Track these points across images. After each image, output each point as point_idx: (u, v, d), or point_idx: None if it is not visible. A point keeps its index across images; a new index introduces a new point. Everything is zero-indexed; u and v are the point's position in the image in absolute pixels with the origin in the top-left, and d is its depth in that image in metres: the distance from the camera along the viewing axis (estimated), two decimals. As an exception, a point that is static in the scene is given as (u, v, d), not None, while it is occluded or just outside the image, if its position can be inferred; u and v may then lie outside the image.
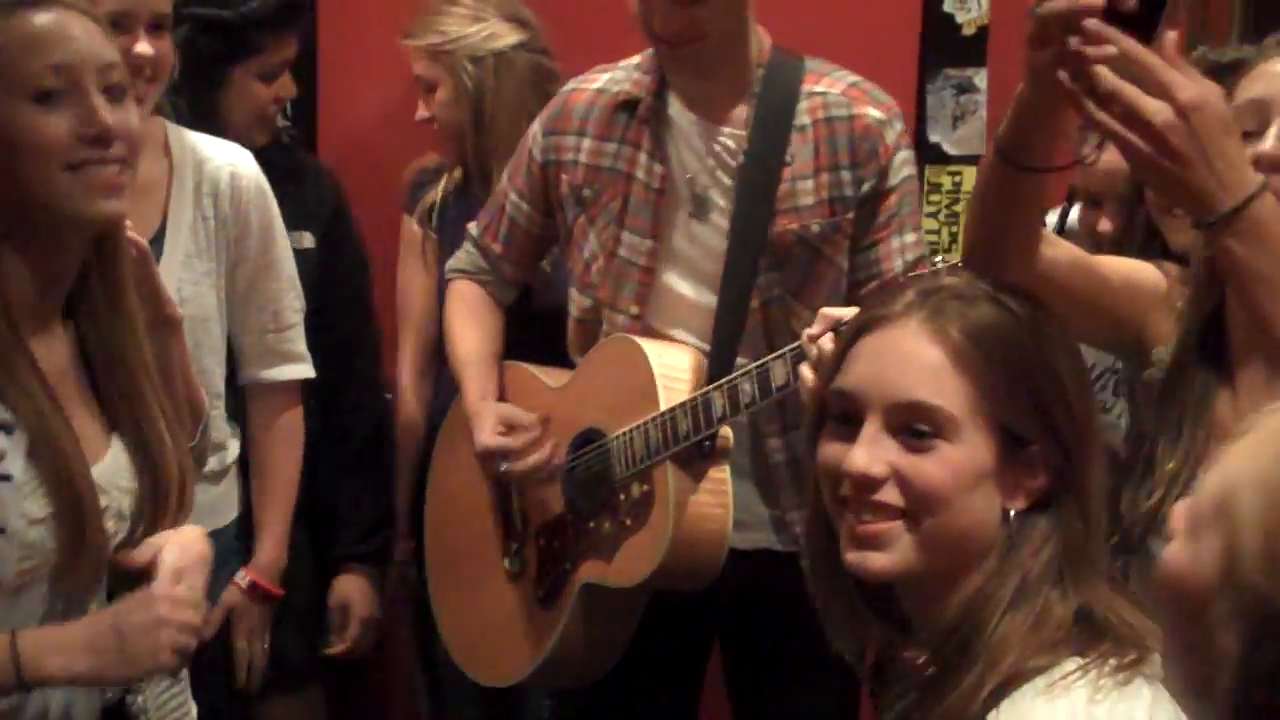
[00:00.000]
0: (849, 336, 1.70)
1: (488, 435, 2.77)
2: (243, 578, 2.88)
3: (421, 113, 3.22)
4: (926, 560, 1.61)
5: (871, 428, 1.62)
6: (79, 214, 1.88)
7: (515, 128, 3.05)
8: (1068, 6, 1.63)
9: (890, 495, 1.61)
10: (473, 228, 3.00)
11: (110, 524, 1.92)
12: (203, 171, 2.72)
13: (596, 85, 2.82)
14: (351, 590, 3.17)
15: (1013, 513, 1.63)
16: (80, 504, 1.86)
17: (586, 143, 2.79)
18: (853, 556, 1.63)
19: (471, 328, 2.94)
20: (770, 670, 2.84)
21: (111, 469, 1.93)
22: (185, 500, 2.02)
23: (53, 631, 1.88)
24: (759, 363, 2.52)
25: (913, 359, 1.63)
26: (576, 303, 2.85)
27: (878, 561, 1.62)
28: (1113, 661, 1.52)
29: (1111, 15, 1.63)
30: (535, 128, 2.88)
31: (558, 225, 2.89)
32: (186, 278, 2.67)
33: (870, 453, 1.61)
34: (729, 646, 2.92)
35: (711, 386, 2.60)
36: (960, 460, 1.59)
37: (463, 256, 3.01)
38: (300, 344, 2.90)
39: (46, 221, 1.87)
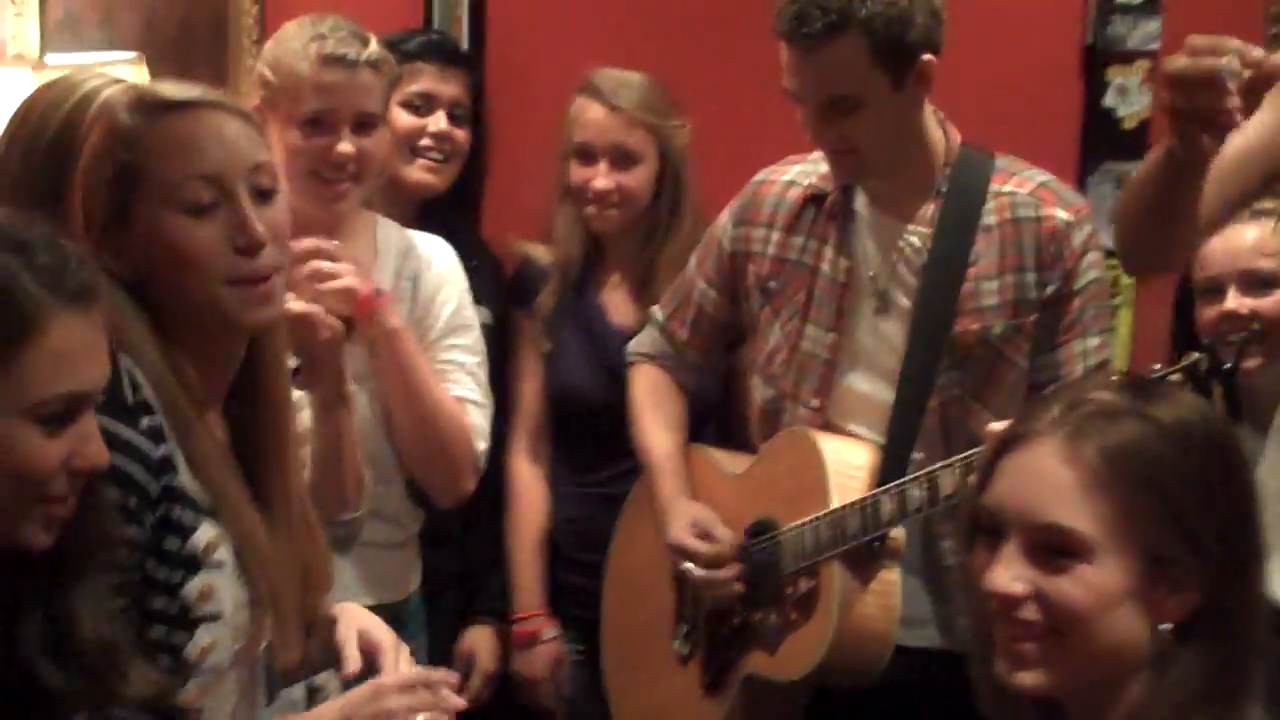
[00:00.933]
0: (996, 449, 1.72)
1: (681, 532, 2.81)
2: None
3: (604, 184, 3.19)
4: (1073, 677, 1.62)
5: (1011, 546, 1.65)
6: (237, 323, 1.94)
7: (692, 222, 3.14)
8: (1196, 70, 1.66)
9: (1031, 613, 1.63)
10: (658, 312, 3.04)
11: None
12: (404, 260, 2.82)
13: (787, 178, 2.85)
14: (480, 643, 3.22)
15: (1162, 628, 1.63)
16: (266, 584, 1.94)
17: (775, 235, 2.83)
18: (1003, 669, 1.66)
19: (661, 418, 2.99)
20: None
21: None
22: (330, 574, 2.13)
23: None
24: (929, 470, 2.55)
25: (1049, 480, 1.64)
26: (759, 392, 2.88)
27: (1025, 679, 1.64)
28: None
29: None
30: (725, 218, 2.92)
31: (744, 314, 2.94)
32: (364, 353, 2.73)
33: (1009, 572, 1.64)
34: None
35: (881, 490, 2.62)
36: (1099, 581, 1.60)
37: (646, 341, 3.05)
38: (480, 420, 2.92)
39: (210, 323, 1.93)
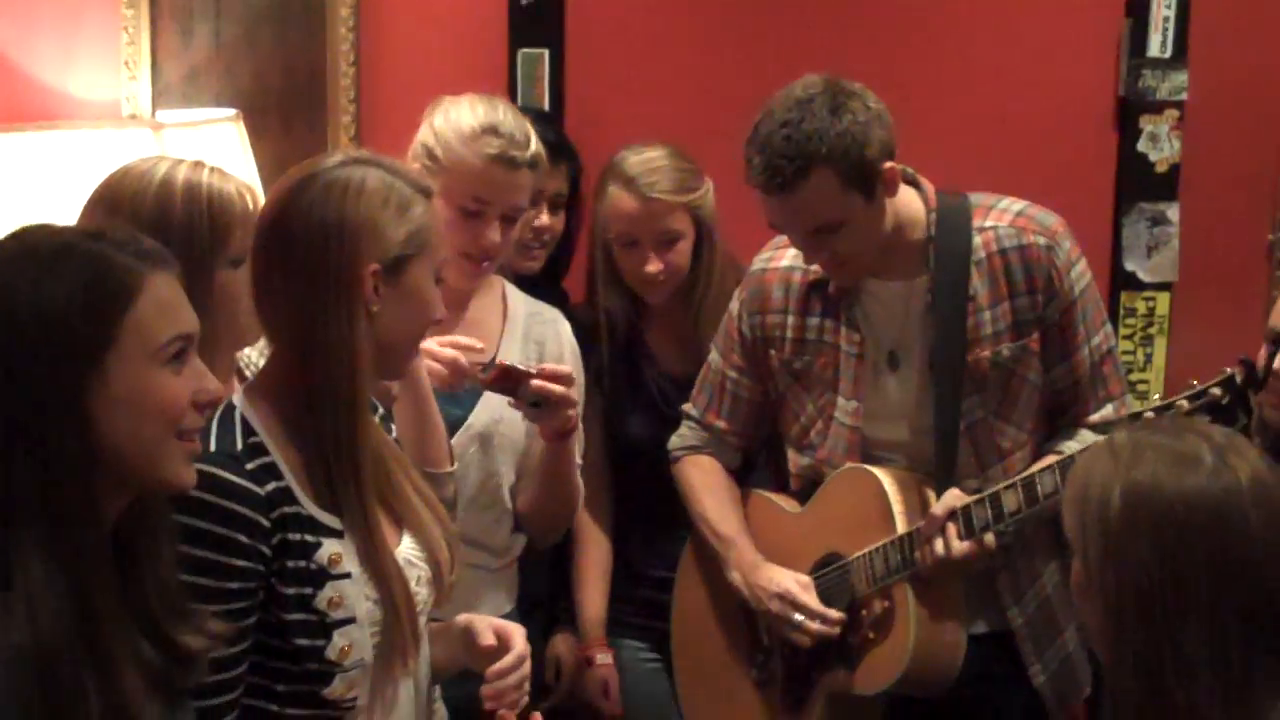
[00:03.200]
0: None
1: (778, 603, 2.92)
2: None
3: (655, 268, 3.25)
4: None
5: None
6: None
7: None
8: None
9: None
10: (691, 410, 3.14)
11: (420, 592, 2.23)
12: (530, 322, 2.99)
13: (784, 264, 2.97)
14: (564, 649, 3.39)
15: None
16: (397, 585, 2.15)
17: (790, 319, 2.95)
18: None
19: (712, 499, 3.10)
20: None
21: (405, 554, 2.22)
22: (454, 577, 2.32)
23: None
24: (990, 491, 2.70)
25: None
26: (794, 460, 3.02)
27: None
28: None
29: None
30: (737, 308, 3.03)
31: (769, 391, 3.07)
32: (505, 406, 2.81)
33: None
34: None
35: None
36: None
37: (687, 434, 3.15)
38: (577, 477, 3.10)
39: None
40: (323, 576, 2.08)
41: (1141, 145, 3.83)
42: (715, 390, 3.11)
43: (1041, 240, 2.78)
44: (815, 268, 2.88)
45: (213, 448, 2.04)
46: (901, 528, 2.82)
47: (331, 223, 2.09)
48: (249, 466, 2.06)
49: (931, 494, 2.84)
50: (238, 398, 2.15)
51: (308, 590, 2.07)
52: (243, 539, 2.02)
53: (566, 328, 3.06)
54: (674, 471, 3.17)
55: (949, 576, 2.79)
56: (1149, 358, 3.81)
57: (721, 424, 3.11)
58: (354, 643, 2.09)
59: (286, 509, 2.08)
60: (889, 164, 2.70)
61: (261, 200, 2.33)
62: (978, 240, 2.81)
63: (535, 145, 2.83)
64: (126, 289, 1.73)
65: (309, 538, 2.09)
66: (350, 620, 2.09)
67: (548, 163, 3.04)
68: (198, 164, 2.34)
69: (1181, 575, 1.77)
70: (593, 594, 3.38)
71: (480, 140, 2.77)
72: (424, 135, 2.84)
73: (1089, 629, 1.92)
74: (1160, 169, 3.82)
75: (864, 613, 2.88)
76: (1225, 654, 1.76)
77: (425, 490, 2.30)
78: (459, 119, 2.80)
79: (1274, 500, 1.81)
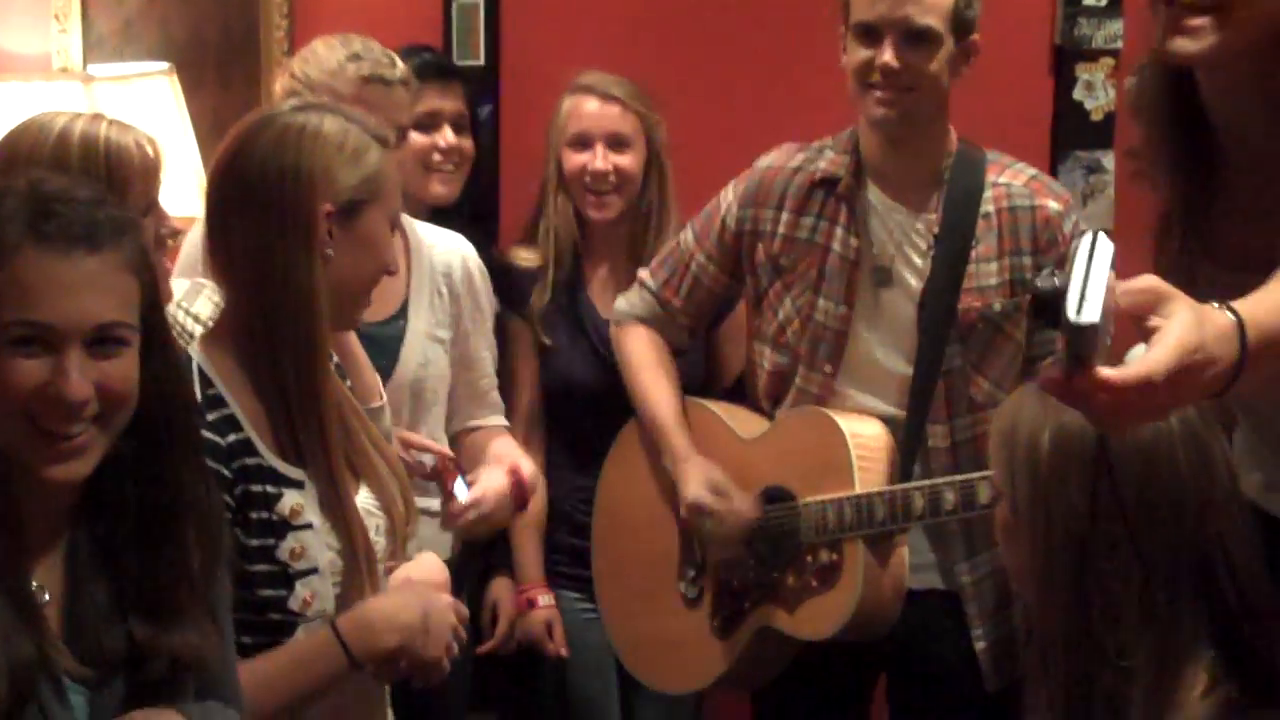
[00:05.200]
0: None
1: (700, 490, 2.96)
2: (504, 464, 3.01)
3: (602, 165, 3.34)
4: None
5: None
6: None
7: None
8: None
9: None
10: (649, 278, 3.16)
11: (380, 542, 2.24)
12: (435, 255, 3.03)
13: (793, 164, 3.00)
14: (502, 593, 3.41)
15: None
16: (359, 535, 2.17)
17: (785, 216, 2.97)
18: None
19: (661, 377, 3.12)
20: (932, 704, 3.01)
21: (363, 504, 2.24)
22: (412, 528, 2.35)
23: (369, 609, 2.17)
24: (965, 477, 2.74)
25: None
26: (769, 359, 3.03)
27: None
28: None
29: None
30: (729, 198, 3.04)
31: (739, 287, 3.11)
32: (429, 345, 2.99)
33: None
34: (895, 681, 3.09)
35: (914, 486, 2.81)
36: None
37: (636, 302, 3.17)
38: (499, 398, 3.21)
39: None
40: (285, 528, 2.11)
41: (1077, 93, 3.87)
42: (679, 268, 3.13)
43: (1055, 206, 2.88)
44: (824, 166, 2.93)
45: None
46: (860, 486, 2.84)
47: (288, 165, 2.12)
48: (209, 418, 2.08)
49: (896, 455, 2.88)
50: (194, 349, 2.17)
51: (270, 541, 2.10)
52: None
53: (472, 254, 3.09)
54: (614, 335, 3.20)
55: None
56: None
57: (677, 302, 3.13)
58: (316, 593, 2.12)
59: (247, 460, 2.10)
60: (976, 37, 2.87)
61: (164, 152, 2.34)
62: (989, 193, 2.88)
63: (402, 65, 2.89)
64: None
65: (270, 489, 2.11)
66: (313, 571, 2.12)
67: (439, 82, 3.22)
68: (96, 117, 2.34)
69: (1110, 517, 1.78)
70: (529, 537, 3.40)
71: (347, 68, 2.82)
72: (286, 85, 2.87)
73: (1013, 571, 1.94)
74: (1095, 117, 3.85)
75: (809, 559, 2.91)
76: (1151, 597, 1.78)
77: (381, 442, 2.32)
78: (318, 57, 2.86)
79: (1202, 442, 1.83)
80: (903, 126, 2.86)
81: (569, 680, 3.42)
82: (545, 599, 3.39)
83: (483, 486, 2.81)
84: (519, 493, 2.92)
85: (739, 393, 3.28)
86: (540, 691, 3.46)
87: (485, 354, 3.16)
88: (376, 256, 2.21)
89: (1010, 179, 2.91)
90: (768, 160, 3.05)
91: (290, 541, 2.11)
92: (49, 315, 1.67)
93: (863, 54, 2.83)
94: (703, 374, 3.40)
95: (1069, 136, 3.87)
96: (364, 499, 2.24)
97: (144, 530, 1.78)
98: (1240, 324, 1.49)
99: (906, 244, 2.91)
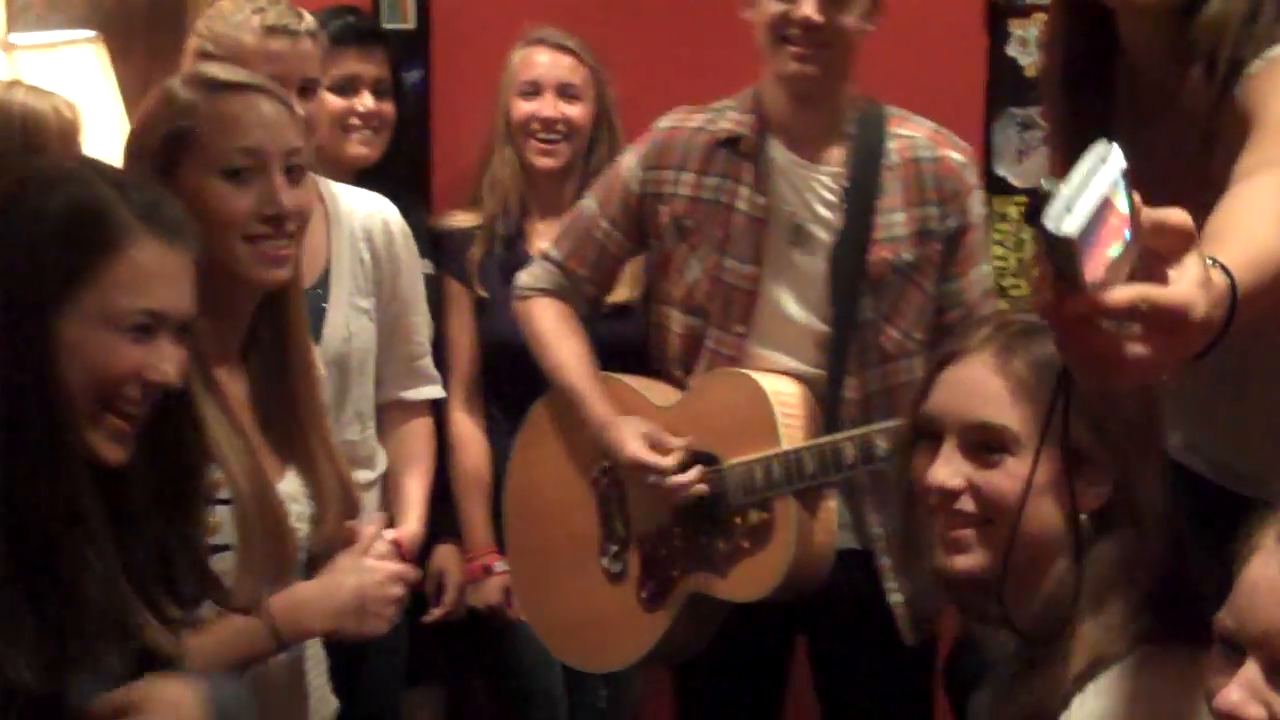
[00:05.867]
0: (934, 366, 1.93)
1: (639, 448, 2.94)
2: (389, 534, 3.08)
3: (551, 112, 3.37)
4: (1002, 561, 1.77)
5: (948, 447, 1.84)
6: (248, 279, 2.16)
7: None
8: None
9: (967, 505, 1.82)
10: (552, 250, 3.14)
11: (301, 529, 2.23)
12: (355, 219, 2.98)
13: (693, 125, 2.99)
14: (448, 560, 3.41)
15: (1084, 518, 1.80)
16: (269, 523, 2.15)
17: (687, 176, 2.96)
18: (941, 561, 1.85)
19: (573, 343, 3.10)
20: (852, 661, 3.03)
21: (289, 489, 2.22)
22: (353, 507, 2.34)
23: (301, 590, 2.18)
24: (896, 423, 2.69)
25: (983, 386, 1.84)
26: (679, 321, 3.01)
27: (962, 563, 1.83)
28: (1182, 646, 1.69)
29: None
30: (630, 161, 3.04)
31: (642, 252, 3.10)
32: (352, 314, 2.95)
33: (948, 468, 1.83)
34: (815, 641, 3.10)
35: (843, 436, 2.81)
36: (1025, 473, 1.74)
37: (540, 275, 3.14)
38: (433, 368, 3.19)
39: (225, 279, 2.13)
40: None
41: (1011, 50, 3.83)
42: (583, 237, 3.11)
43: (957, 157, 2.90)
44: (726, 125, 2.92)
45: None
46: (786, 443, 2.84)
47: None
48: None
49: (816, 411, 2.87)
50: None
51: None
52: None
53: (394, 215, 3.05)
54: (519, 309, 3.16)
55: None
56: (1020, 263, 3.84)
57: (582, 271, 3.11)
58: (227, 573, 2.07)
59: None
60: None
61: (82, 116, 2.41)
62: (892, 145, 2.90)
63: (309, 18, 2.88)
64: (106, 242, 1.78)
65: None
66: (225, 548, 2.08)
67: (359, 45, 3.24)
68: (13, 83, 2.34)
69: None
70: (475, 503, 3.39)
71: (251, 20, 2.80)
72: (193, 44, 2.86)
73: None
74: (1029, 73, 3.80)
75: (738, 521, 2.90)
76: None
77: (327, 436, 2.31)
78: (223, 12, 2.85)
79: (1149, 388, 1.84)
80: (819, 83, 2.85)
81: (520, 643, 3.41)
82: (500, 565, 3.37)
83: None
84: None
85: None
86: (519, 657, 3.44)
87: (415, 319, 3.12)
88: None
89: (912, 131, 2.92)
90: (667, 122, 3.04)
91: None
92: (165, 304, 1.81)
93: (777, 6, 2.81)
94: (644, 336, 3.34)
95: (1003, 93, 3.85)
96: (291, 484, 2.22)
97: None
98: (1233, 286, 1.43)
99: (814, 199, 2.91)
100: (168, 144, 2.15)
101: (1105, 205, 1.30)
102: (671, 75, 3.75)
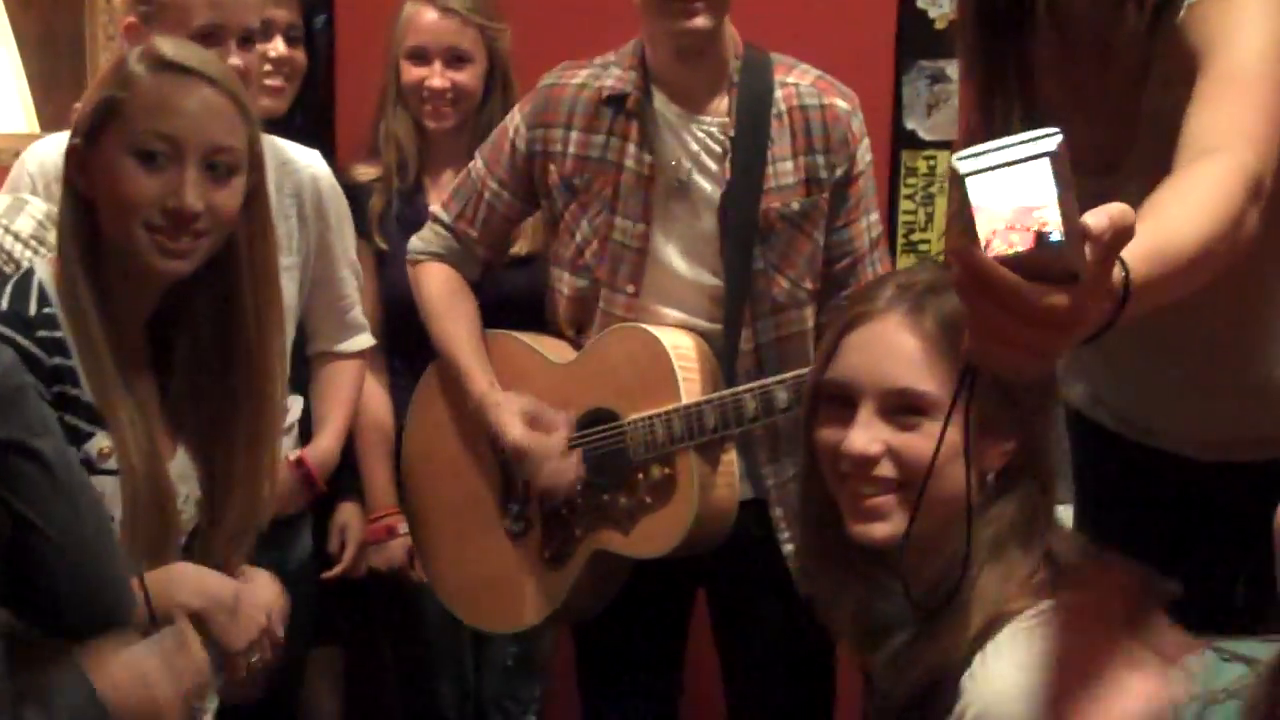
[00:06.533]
0: (839, 330, 1.90)
1: (520, 432, 2.94)
2: (293, 453, 3.05)
3: (439, 82, 3.31)
4: (919, 525, 1.77)
5: (865, 412, 1.83)
6: (145, 267, 2.11)
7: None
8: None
9: (886, 470, 1.81)
10: (442, 213, 3.11)
11: (187, 510, 2.20)
12: (284, 173, 2.93)
13: (577, 81, 2.95)
14: (350, 518, 3.36)
15: (988, 476, 1.82)
16: (160, 494, 2.13)
17: (574, 135, 2.92)
18: (858, 528, 1.83)
19: (458, 312, 3.08)
20: (751, 613, 3.02)
21: (178, 469, 2.18)
22: (258, 502, 2.29)
23: (179, 567, 2.15)
24: (795, 374, 2.72)
25: (898, 349, 1.82)
26: (568, 283, 2.99)
27: (881, 530, 1.82)
28: (1086, 596, 1.72)
29: None
30: (516, 120, 3.00)
31: (533, 211, 3.07)
32: None
33: (866, 434, 1.82)
34: (712, 594, 3.09)
35: (743, 389, 2.79)
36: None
37: (431, 238, 3.12)
38: (363, 318, 3.17)
39: (130, 261, 2.10)
40: (89, 469, 2.02)
41: (920, 2, 3.79)
42: (472, 198, 3.07)
43: (843, 104, 2.85)
44: (611, 83, 2.88)
45: (3, 307, 2.03)
46: (686, 397, 2.82)
47: None
48: (38, 335, 2.02)
49: (714, 364, 2.84)
50: (40, 264, 2.13)
51: None
52: None
53: (324, 170, 3.02)
54: (411, 274, 3.13)
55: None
56: (929, 217, 3.82)
57: (473, 233, 3.08)
58: None
59: (69, 389, 2.03)
60: None
61: None
62: (779, 94, 2.86)
63: None
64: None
65: (83, 425, 2.04)
66: (109, 520, 2.03)
67: None
68: None
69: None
70: (378, 461, 3.34)
71: None
72: None
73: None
74: (939, 25, 3.78)
75: (640, 477, 2.88)
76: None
77: (266, 430, 2.28)
78: None
79: None
80: (709, 39, 2.82)
81: (425, 604, 3.37)
82: (403, 526, 3.34)
83: None
84: (308, 483, 3.03)
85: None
86: (423, 618, 3.41)
87: (345, 273, 3.10)
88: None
89: (798, 79, 2.89)
90: (551, 78, 3.00)
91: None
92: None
93: None
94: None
95: (913, 45, 3.80)
96: (181, 463, 2.18)
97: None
98: (1126, 277, 1.41)
99: (702, 151, 2.88)
100: (99, 110, 2.10)
101: (1023, 181, 1.27)
102: (583, 12, 3.69)
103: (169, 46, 2.14)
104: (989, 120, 2.08)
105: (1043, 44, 2.09)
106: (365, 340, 3.19)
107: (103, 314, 2.08)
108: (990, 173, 1.27)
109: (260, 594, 2.26)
